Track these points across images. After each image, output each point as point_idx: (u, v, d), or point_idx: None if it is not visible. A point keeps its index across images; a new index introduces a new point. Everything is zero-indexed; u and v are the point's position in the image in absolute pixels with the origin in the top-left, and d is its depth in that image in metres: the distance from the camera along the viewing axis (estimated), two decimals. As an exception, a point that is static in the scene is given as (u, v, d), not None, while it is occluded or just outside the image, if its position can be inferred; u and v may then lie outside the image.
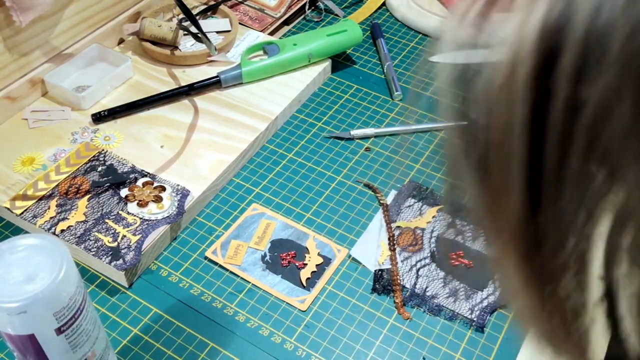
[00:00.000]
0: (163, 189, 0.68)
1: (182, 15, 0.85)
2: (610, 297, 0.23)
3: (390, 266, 0.63)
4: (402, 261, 0.64)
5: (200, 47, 0.85)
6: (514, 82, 0.21)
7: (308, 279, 0.62)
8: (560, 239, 0.22)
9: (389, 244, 0.65)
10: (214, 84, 0.80)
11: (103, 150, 0.72)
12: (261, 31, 0.91)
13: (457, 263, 0.63)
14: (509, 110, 0.21)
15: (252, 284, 0.62)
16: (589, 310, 0.24)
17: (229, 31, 0.89)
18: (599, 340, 0.25)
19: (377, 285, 0.62)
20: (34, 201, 0.66)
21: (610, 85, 0.19)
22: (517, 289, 0.25)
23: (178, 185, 0.68)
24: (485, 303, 0.60)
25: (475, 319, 0.59)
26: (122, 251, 0.62)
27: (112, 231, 0.63)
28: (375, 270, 0.63)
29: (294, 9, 0.96)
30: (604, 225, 0.21)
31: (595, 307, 0.24)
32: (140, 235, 0.63)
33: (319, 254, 0.64)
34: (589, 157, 0.20)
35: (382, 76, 0.87)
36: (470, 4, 0.24)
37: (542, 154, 0.21)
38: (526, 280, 0.24)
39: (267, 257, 0.64)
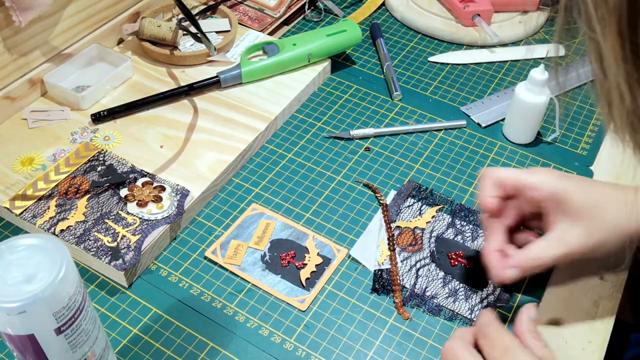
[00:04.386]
0: (162, 189, 0.68)
1: (181, 15, 0.85)
2: None
3: (389, 266, 0.63)
4: (401, 261, 0.64)
5: (200, 47, 0.85)
6: None
7: (308, 279, 0.62)
8: None
9: (389, 244, 0.65)
10: (213, 84, 0.80)
11: (102, 150, 0.72)
12: (261, 31, 0.91)
13: (457, 263, 0.63)
14: None
15: (252, 284, 0.62)
16: None
17: (228, 31, 0.89)
18: None
19: (376, 285, 0.62)
20: (34, 201, 0.66)
21: None
22: (614, 64, 0.29)
23: (177, 185, 0.68)
24: (485, 303, 0.60)
25: (475, 319, 0.59)
26: (122, 251, 0.62)
27: (112, 231, 0.63)
28: (374, 270, 0.63)
29: (294, 9, 0.96)
30: None
31: None
32: (140, 235, 0.63)
33: (318, 254, 0.64)
34: None
35: (382, 76, 0.87)
36: None
37: None
38: (624, 53, 0.28)
39: (267, 257, 0.64)
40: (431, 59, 0.90)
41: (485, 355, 0.47)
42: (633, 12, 0.27)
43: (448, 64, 0.90)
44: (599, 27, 0.29)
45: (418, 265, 0.63)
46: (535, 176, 0.56)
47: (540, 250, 0.55)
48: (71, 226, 0.64)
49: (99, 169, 0.70)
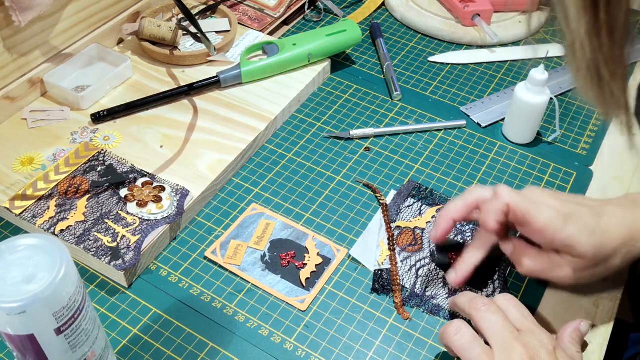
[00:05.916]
0: (162, 189, 0.68)
1: (181, 15, 0.85)
2: None
3: (389, 266, 0.63)
4: (401, 261, 0.64)
5: (200, 47, 0.85)
6: None
7: (308, 279, 0.62)
8: None
9: (389, 244, 0.65)
10: (213, 84, 0.80)
11: (102, 150, 0.72)
12: (260, 31, 0.91)
13: (456, 263, 0.63)
14: None
15: (252, 284, 0.62)
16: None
17: (228, 31, 0.89)
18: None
19: (376, 285, 0.62)
20: (34, 201, 0.66)
21: None
22: (576, 15, 0.33)
23: (177, 185, 0.68)
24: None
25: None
26: (122, 251, 0.62)
27: (112, 231, 0.63)
28: (374, 270, 0.63)
29: (294, 9, 0.96)
30: None
31: None
32: (140, 235, 0.63)
33: (318, 254, 0.64)
34: None
35: (382, 76, 0.87)
36: None
37: None
38: (585, 4, 0.32)
39: (267, 257, 0.64)
40: (431, 59, 0.90)
41: (514, 321, 0.51)
42: None
43: (448, 64, 0.90)
44: None
45: (418, 265, 0.63)
46: (541, 216, 0.54)
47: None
48: (71, 226, 0.64)
49: (98, 169, 0.70)
